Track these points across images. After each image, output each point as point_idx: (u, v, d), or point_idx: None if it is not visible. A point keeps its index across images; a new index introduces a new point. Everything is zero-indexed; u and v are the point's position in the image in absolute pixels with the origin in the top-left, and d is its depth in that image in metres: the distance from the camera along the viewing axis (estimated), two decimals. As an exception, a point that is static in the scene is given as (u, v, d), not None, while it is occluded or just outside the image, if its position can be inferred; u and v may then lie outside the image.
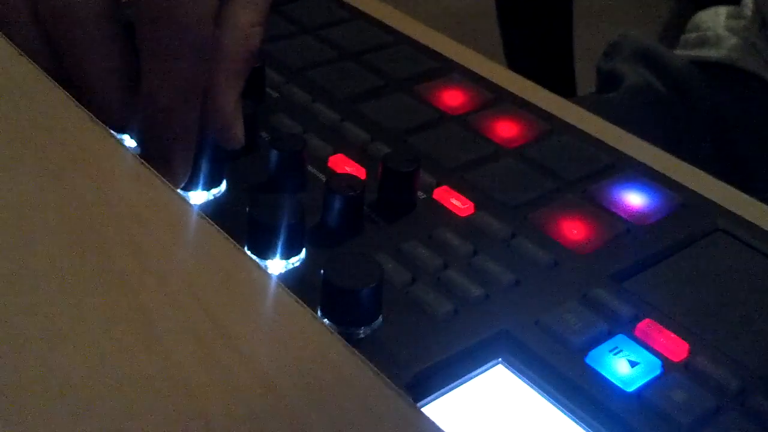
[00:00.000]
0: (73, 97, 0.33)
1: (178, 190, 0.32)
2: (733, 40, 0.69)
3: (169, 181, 0.35)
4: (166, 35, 0.33)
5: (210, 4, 0.34)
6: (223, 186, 0.39)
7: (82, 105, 0.33)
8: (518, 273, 0.35)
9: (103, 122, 0.33)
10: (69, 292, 0.26)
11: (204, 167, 0.37)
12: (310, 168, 0.40)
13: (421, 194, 0.39)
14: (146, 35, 0.34)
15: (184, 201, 0.30)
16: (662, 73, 0.68)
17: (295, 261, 0.35)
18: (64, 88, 0.33)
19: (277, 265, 0.34)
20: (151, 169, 0.31)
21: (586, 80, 0.98)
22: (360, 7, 0.55)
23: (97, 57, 0.35)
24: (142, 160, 0.31)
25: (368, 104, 0.46)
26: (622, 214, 0.39)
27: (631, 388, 0.31)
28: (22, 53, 0.38)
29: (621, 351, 0.32)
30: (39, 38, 0.36)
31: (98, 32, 0.35)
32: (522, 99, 0.47)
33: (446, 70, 0.49)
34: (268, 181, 0.39)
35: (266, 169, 0.39)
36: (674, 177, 0.42)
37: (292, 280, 0.34)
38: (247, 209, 0.34)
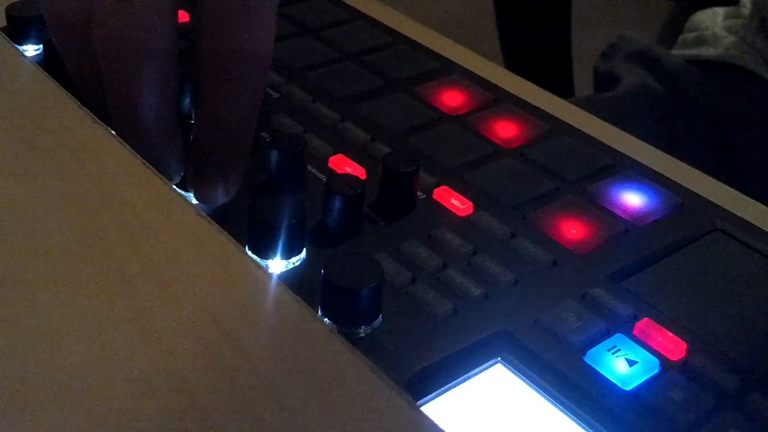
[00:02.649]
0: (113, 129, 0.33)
1: (179, 191, 0.32)
2: (731, 39, 0.69)
3: (224, 193, 0.35)
4: (240, 65, 0.33)
5: (273, 31, 0.34)
6: (224, 186, 0.39)
7: (127, 142, 0.33)
8: (517, 272, 0.35)
9: (159, 169, 0.32)
10: (70, 291, 0.26)
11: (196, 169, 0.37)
12: (310, 168, 0.40)
13: (420, 194, 0.40)
14: (217, 65, 0.33)
15: (185, 201, 0.30)
16: (660, 74, 0.68)
17: (296, 261, 0.35)
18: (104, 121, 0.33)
19: (277, 265, 0.34)
20: (152, 169, 0.31)
21: (584, 82, 0.98)
22: (360, 8, 0.55)
23: (155, 94, 0.33)
24: (144, 161, 0.31)
25: (368, 105, 0.46)
26: (621, 214, 0.39)
27: (629, 387, 0.31)
28: (24, 53, 0.38)
29: (619, 350, 0.32)
30: (87, 65, 0.34)
31: (160, 66, 0.33)
32: (521, 99, 0.47)
33: (446, 70, 0.50)
34: (269, 181, 0.39)
35: (266, 169, 0.39)
36: (673, 177, 0.42)
37: (293, 280, 0.34)
38: (249, 209, 0.34)
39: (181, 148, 0.35)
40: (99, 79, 0.34)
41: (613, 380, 0.31)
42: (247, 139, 0.35)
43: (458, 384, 0.32)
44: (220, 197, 0.36)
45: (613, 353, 0.32)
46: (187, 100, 0.38)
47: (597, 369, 0.32)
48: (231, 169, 0.35)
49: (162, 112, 0.33)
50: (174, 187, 0.31)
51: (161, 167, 0.34)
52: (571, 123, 0.45)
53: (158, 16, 0.32)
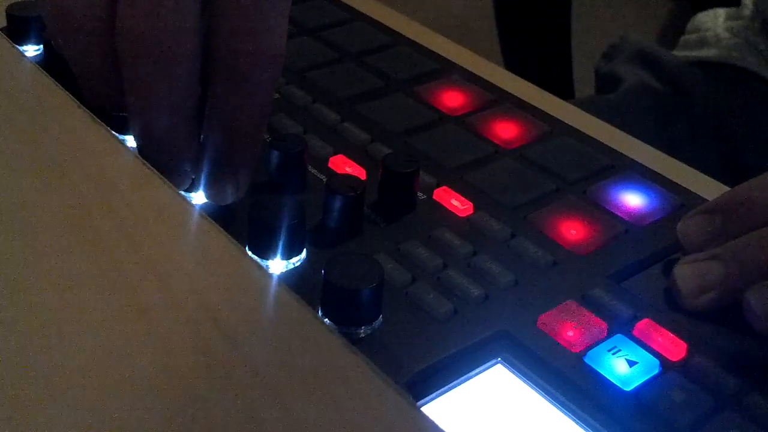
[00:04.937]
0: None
1: (180, 191, 0.32)
2: (732, 40, 0.69)
3: (234, 192, 0.35)
4: (253, 68, 0.33)
5: (286, 33, 0.34)
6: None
7: (146, 144, 0.33)
8: (517, 273, 0.35)
9: (174, 173, 0.33)
10: (70, 291, 0.26)
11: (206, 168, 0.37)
12: (310, 168, 0.40)
13: (420, 195, 0.40)
14: (230, 67, 0.33)
15: (186, 201, 0.30)
16: (661, 74, 0.68)
17: (296, 261, 0.35)
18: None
19: (277, 265, 0.34)
20: (153, 169, 0.31)
21: (584, 82, 0.98)
22: (360, 9, 0.55)
23: (180, 99, 0.33)
24: (144, 161, 0.31)
25: (368, 105, 0.46)
26: (621, 215, 0.39)
27: (629, 388, 0.31)
28: (24, 53, 0.38)
29: (619, 350, 0.32)
30: (98, 66, 0.34)
31: (186, 70, 0.32)
32: (521, 100, 0.47)
33: (446, 71, 0.50)
34: (269, 181, 0.39)
35: (266, 169, 0.39)
36: (673, 178, 0.42)
37: (293, 280, 0.34)
38: (249, 209, 0.34)
39: (195, 151, 0.35)
40: (109, 80, 0.34)
41: (613, 381, 0.31)
42: (257, 139, 0.35)
43: (458, 384, 0.32)
44: (230, 196, 0.36)
45: (613, 354, 0.32)
46: None
47: (597, 369, 0.32)
48: (241, 168, 0.35)
49: (184, 117, 0.33)
50: (173, 186, 0.31)
51: (176, 171, 0.34)
52: (570, 123, 0.45)
53: (186, 20, 0.32)
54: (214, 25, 0.33)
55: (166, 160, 0.33)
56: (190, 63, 0.32)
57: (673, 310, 0.35)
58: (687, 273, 0.35)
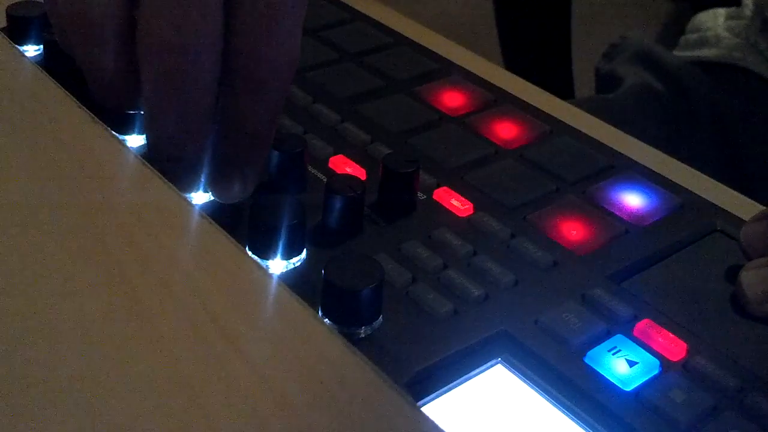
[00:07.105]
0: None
1: (188, 194, 0.32)
2: (733, 40, 0.69)
3: (242, 191, 0.35)
4: (268, 74, 0.33)
5: (299, 39, 0.34)
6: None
7: (161, 147, 0.33)
8: (517, 273, 0.35)
9: (186, 175, 0.33)
10: (70, 292, 0.26)
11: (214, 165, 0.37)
12: (310, 168, 0.40)
13: (421, 195, 0.40)
14: (244, 72, 0.33)
15: (186, 201, 0.30)
16: (662, 74, 0.68)
17: (296, 261, 0.35)
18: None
19: (278, 265, 0.34)
20: (153, 169, 0.31)
21: (584, 82, 0.98)
22: (360, 9, 0.55)
23: (201, 104, 0.33)
24: (144, 161, 0.31)
25: (369, 105, 0.46)
26: (621, 215, 0.39)
27: (629, 388, 0.31)
28: (24, 53, 0.38)
29: (620, 351, 0.32)
30: (119, 69, 0.33)
31: (208, 76, 0.32)
32: (521, 100, 0.47)
33: (446, 71, 0.50)
34: (269, 181, 0.39)
35: (267, 169, 0.39)
36: (673, 178, 0.42)
37: (293, 280, 0.34)
38: (249, 209, 0.34)
39: (206, 152, 0.35)
40: (120, 80, 0.34)
41: (613, 381, 0.31)
42: (268, 141, 0.35)
43: (459, 384, 0.32)
44: (237, 195, 0.36)
45: (613, 354, 0.32)
46: None
47: (597, 370, 0.32)
48: (250, 169, 0.35)
49: (200, 119, 0.33)
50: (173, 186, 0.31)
51: (187, 173, 0.34)
52: (571, 124, 0.45)
53: (211, 28, 0.32)
54: (233, 30, 0.32)
55: (179, 161, 0.33)
56: (212, 69, 0.32)
57: (673, 310, 0.35)
58: (753, 279, 0.35)
